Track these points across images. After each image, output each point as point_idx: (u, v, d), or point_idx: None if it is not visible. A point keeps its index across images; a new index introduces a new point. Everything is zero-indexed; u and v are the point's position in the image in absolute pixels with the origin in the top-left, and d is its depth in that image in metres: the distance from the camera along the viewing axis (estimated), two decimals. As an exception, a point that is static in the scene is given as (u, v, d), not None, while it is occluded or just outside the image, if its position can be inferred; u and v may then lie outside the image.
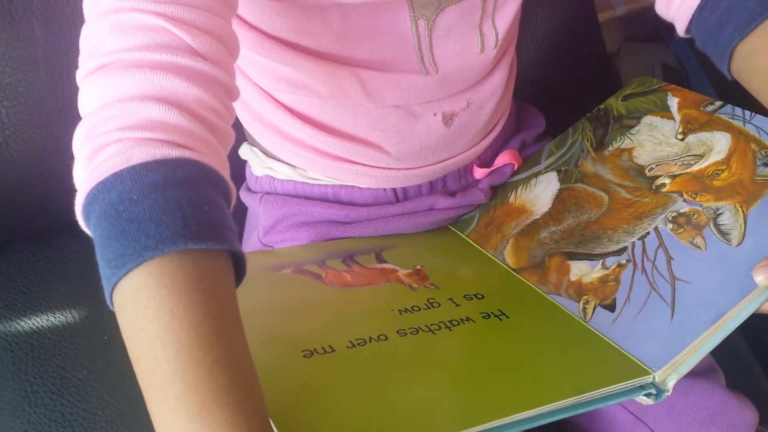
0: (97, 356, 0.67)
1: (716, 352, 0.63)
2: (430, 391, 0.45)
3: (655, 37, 1.20)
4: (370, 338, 0.48)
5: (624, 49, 1.23)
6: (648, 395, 0.48)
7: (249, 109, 0.63)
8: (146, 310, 0.35)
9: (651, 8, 0.62)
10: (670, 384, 0.48)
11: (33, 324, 0.69)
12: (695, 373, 0.61)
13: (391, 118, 0.60)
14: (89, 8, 0.43)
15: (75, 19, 0.64)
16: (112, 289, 0.37)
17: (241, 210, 0.72)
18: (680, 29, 0.60)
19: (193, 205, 0.37)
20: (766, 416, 0.62)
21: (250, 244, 0.68)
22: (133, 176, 0.37)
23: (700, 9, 0.57)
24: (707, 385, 0.60)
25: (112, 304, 0.37)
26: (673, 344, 0.49)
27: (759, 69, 0.54)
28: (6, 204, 0.69)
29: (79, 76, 0.42)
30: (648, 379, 0.48)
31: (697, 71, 1.11)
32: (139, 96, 0.39)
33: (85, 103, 0.41)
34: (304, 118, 0.60)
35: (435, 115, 0.61)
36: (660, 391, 0.48)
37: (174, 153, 0.38)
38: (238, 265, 0.40)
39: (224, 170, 0.41)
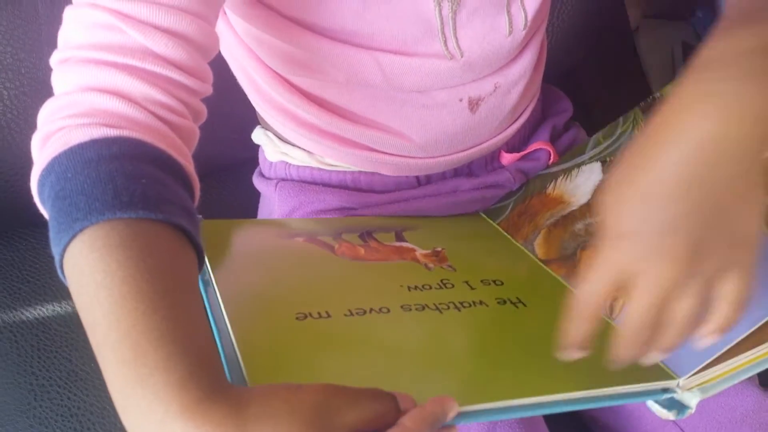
0: (106, 348, 0.65)
1: (749, 349, 0.61)
2: (425, 365, 0.43)
3: (675, 15, 1.17)
4: (371, 309, 0.46)
5: (643, 27, 1.19)
6: (669, 408, 0.45)
7: (261, 93, 0.60)
8: (83, 276, 0.35)
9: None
10: (693, 402, 0.45)
11: (39, 314, 0.67)
12: (728, 371, 0.59)
13: (413, 105, 0.58)
14: None
15: (80, -4, 0.61)
16: (61, 268, 0.37)
17: (254, 195, 0.69)
18: None
19: (126, 177, 0.37)
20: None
21: (264, 232, 0.66)
22: (69, 156, 0.38)
23: None
24: (740, 384, 0.58)
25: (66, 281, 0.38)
26: (704, 351, 0.46)
27: None
28: (9, 189, 0.67)
29: (52, 62, 0.43)
30: (671, 383, 0.45)
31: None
32: (85, 88, 0.41)
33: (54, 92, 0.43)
34: (320, 102, 0.58)
35: (461, 100, 0.58)
36: (683, 407, 0.45)
37: (112, 132, 0.39)
38: (193, 240, 0.39)
39: (177, 153, 0.41)
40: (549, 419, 0.59)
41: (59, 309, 0.67)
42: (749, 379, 0.59)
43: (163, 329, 0.33)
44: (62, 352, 0.65)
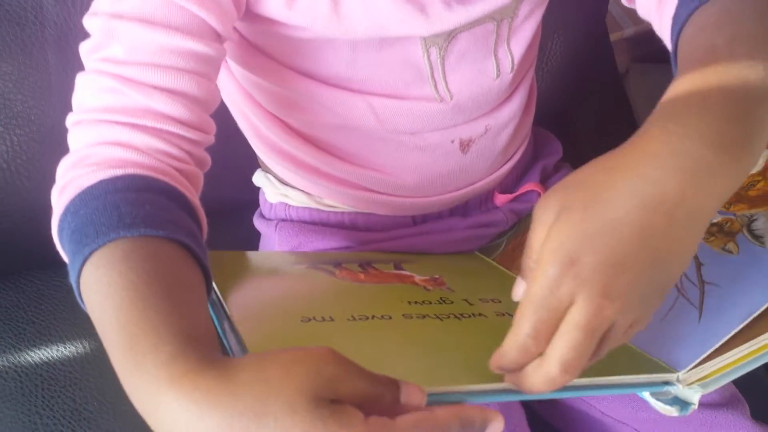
0: (109, 387, 0.66)
1: (739, 383, 0.61)
2: (428, 366, 0.43)
3: (663, 58, 1.18)
4: (373, 316, 0.48)
5: (632, 71, 1.21)
6: (672, 405, 0.46)
7: (260, 136, 0.62)
8: (92, 293, 0.38)
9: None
10: (695, 398, 0.46)
11: (43, 354, 0.68)
12: (719, 405, 0.60)
13: (406, 146, 0.59)
14: (82, 58, 0.47)
15: (88, 46, 0.63)
16: (79, 296, 0.39)
17: (255, 236, 0.71)
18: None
19: (131, 204, 0.40)
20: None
21: (264, 271, 0.67)
22: (80, 197, 0.41)
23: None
24: (732, 417, 0.59)
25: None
26: (701, 345, 0.47)
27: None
28: (17, 233, 0.68)
29: (67, 124, 0.47)
30: (671, 377, 0.46)
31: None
32: (94, 143, 0.44)
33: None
34: (316, 143, 0.60)
35: (452, 142, 0.60)
36: (685, 404, 0.46)
37: (118, 172, 0.42)
38: (196, 257, 0.41)
39: (183, 188, 0.44)
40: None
41: (64, 350, 0.68)
42: (741, 412, 0.60)
43: (156, 320, 0.35)
44: (66, 392, 0.66)
